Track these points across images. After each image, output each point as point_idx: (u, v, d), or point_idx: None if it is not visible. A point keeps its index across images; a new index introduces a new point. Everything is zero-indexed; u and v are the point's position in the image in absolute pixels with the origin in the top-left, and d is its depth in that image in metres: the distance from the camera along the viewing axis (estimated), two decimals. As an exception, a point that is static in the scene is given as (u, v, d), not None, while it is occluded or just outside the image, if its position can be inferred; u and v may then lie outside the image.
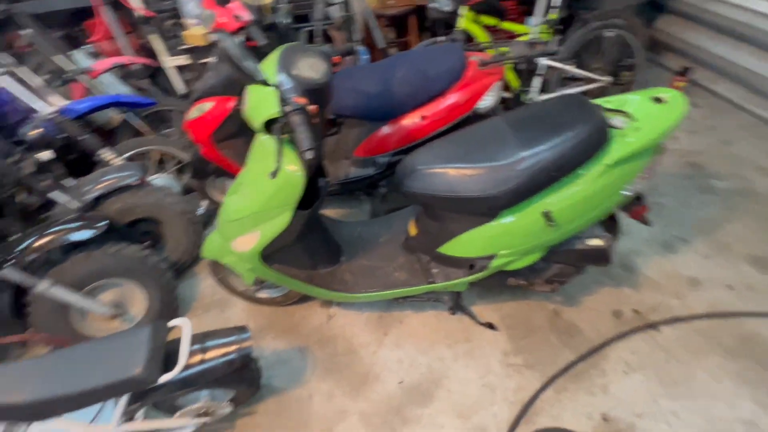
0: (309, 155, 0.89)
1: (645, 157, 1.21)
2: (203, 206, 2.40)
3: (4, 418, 1.10)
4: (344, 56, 1.55)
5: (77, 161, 2.24)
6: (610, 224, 1.51)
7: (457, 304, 1.76)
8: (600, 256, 1.40)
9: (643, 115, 1.20)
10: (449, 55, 1.71)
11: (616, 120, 1.22)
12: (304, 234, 1.42)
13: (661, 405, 1.44)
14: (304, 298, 1.95)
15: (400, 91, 1.71)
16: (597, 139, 1.15)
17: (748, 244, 1.91)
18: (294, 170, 1.14)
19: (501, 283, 1.54)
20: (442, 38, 2.42)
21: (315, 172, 1.27)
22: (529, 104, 1.36)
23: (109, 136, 2.40)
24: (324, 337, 1.81)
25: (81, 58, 2.52)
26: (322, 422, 1.53)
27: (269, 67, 1.08)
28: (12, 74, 1.86)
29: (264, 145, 1.16)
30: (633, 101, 1.25)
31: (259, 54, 1.67)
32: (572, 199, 1.22)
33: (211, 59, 1.75)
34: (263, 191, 1.21)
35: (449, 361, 1.66)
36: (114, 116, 2.41)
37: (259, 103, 1.03)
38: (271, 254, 1.42)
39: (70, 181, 1.92)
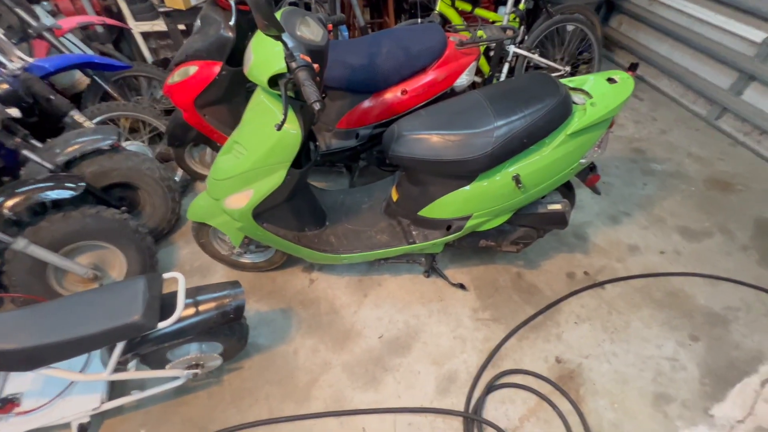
0: (318, 106, 0.96)
1: (599, 130, 1.40)
2: (178, 175, 2.38)
3: (-2, 366, 1.10)
4: (335, 26, 1.61)
5: (37, 125, 2.13)
6: (567, 193, 1.71)
7: (431, 267, 1.91)
8: (559, 219, 1.60)
9: (598, 93, 1.39)
10: (431, 34, 1.82)
11: (577, 97, 1.40)
12: (294, 195, 1.49)
13: (603, 348, 1.68)
14: (286, 264, 2.02)
15: (384, 65, 1.80)
16: (562, 112, 1.33)
17: (678, 218, 2.22)
18: (292, 129, 1.21)
19: (473, 245, 1.71)
20: (419, 20, 2.52)
21: (306, 136, 1.34)
22: (503, 80, 1.50)
23: (72, 100, 2.29)
24: (306, 299, 1.90)
25: (42, 14, 2.36)
26: (308, 373, 1.64)
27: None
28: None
29: (264, 101, 1.21)
30: (590, 81, 1.44)
31: (249, 21, 1.70)
32: (538, 164, 1.39)
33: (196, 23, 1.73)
34: (260, 148, 1.27)
35: (424, 318, 1.81)
36: (80, 79, 2.31)
37: (266, 59, 1.08)
38: (261, 213, 1.48)
39: (36, 143, 1.84)
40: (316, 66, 1.03)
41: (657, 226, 2.18)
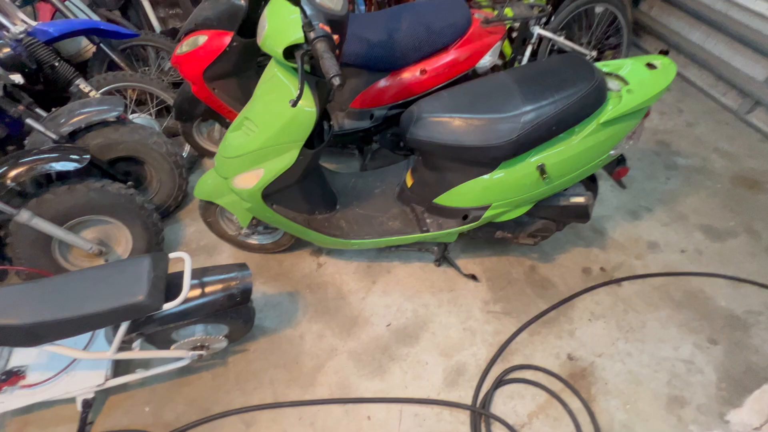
0: (337, 81, 0.89)
1: (634, 120, 1.31)
2: (186, 151, 2.32)
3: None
4: (354, -4, 1.51)
5: (42, 94, 2.07)
6: (590, 185, 1.63)
7: (443, 256, 1.86)
8: (581, 213, 1.52)
9: (635, 79, 1.29)
10: (455, 10, 1.71)
11: (612, 83, 1.30)
12: (306, 176, 1.43)
13: (617, 347, 1.63)
14: (294, 247, 1.98)
15: (403, 42, 1.70)
16: (596, 98, 1.23)
17: (701, 216, 2.13)
18: (307, 106, 1.14)
19: (489, 236, 1.64)
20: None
21: (321, 114, 1.27)
22: (533, 62, 1.40)
23: (77, 68, 2.21)
24: (314, 284, 1.86)
25: (46, -24, 2.26)
26: (313, 359, 1.61)
27: None
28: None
29: (278, 75, 1.13)
30: (628, 66, 1.33)
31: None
32: (565, 154, 1.31)
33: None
34: (273, 126, 1.20)
35: (434, 308, 1.77)
36: (86, 47, 2.23)
37: (281, 28, 1.00)
38: (271, 194, 1.42)
39: (41, 112, 1.78)
40: (335, 37, 0.94)
41: (679, 223, 2.09)
